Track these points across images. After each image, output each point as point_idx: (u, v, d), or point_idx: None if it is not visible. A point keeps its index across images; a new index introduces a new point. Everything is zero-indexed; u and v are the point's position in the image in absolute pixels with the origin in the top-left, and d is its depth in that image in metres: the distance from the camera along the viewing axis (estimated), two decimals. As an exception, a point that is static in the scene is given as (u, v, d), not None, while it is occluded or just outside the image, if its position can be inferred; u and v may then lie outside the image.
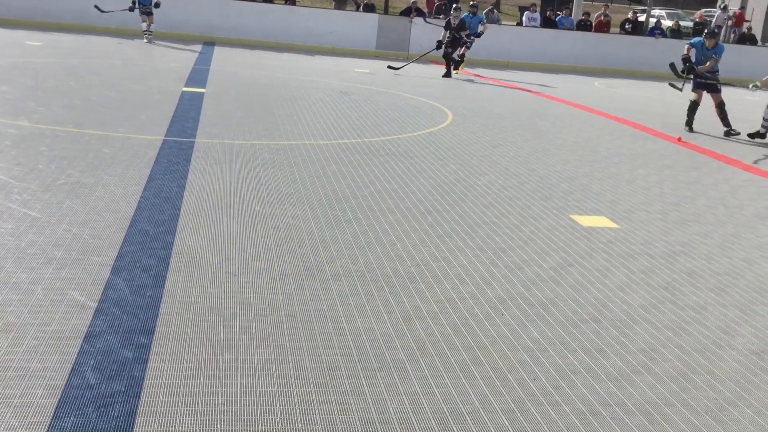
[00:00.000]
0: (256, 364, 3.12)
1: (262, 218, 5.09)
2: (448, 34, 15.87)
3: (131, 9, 17.16)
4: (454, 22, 15.82)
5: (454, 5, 16.23)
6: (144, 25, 17.36)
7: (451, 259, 4.68)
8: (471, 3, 16.81)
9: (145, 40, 17.23)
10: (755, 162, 9.06)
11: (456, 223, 5.44)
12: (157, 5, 17.21)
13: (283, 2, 22.21)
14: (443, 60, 16.17)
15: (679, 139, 10.04)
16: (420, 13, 20.83)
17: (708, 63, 10.95)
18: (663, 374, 3.38)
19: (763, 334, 3.95)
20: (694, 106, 11.09)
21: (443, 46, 15.90)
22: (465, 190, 6.43)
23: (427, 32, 18.78)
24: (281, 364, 3.14)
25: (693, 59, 11.14)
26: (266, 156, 6.97)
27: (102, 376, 2.91)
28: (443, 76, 15.84)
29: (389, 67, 16.26)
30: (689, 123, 11.15)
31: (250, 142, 7.50)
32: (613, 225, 5.79)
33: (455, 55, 16.22)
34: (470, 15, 16.75)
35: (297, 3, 23.35)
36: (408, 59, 17.37)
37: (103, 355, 3.07)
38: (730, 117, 11.03)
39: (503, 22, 23.99)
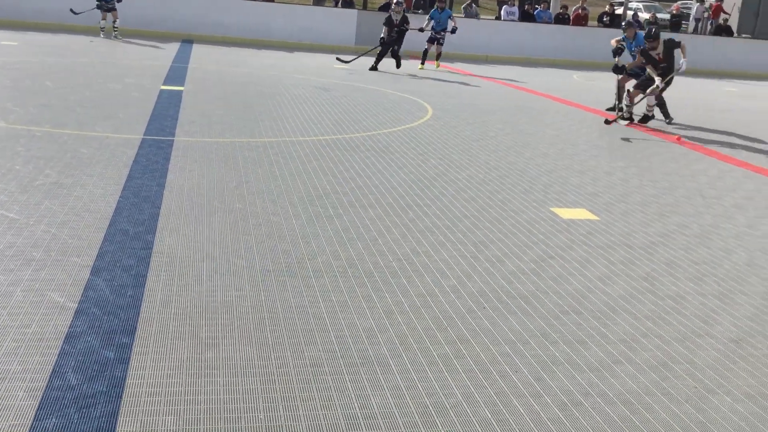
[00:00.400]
0: (239, 362, 3.12)
1: (242, 216, 5.07)
2: (389, 31, 15.25)
3: (98, 6, 17.06)
4: (396, 17, 15.34)
5: (396, 0, 15.79)
6: (103, 23, 17.25)
7: (433, 253, 4.70)
8: None
9: (112, 37, 17.14)
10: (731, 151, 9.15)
11: (437, 218, 5.45)
12: None
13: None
14: (377, 55, 15.38)
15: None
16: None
17: (637, 58, 11.00)
18: (643, 364, 3.41)
19: (742, 322, 4.00)
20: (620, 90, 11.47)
21: (384, 42, 15.32)
22: (446, 185, 6.45)
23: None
24: (264, 361, 3.14)
25: (621, 53, 11.55)
26: (246, 153, 6.95)
27: (83, 377, 2.89)
28: (370, 69, 15.14)
29: (338, 59, 15.88)
30: (616, 107, 11.54)
31: (229, 140, 7.47)
32: (593, 217, 5.83)
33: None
34: (438, 10, 16.47)
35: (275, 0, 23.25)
36: (375, 54, 16.89)
37: (84, 356, 3.05)
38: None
39: (482, 17, 24.03)
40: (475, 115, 10.55)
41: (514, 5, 22.58)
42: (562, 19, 22.02)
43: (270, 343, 3.31)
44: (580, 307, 4.02)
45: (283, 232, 4.83)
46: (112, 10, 17.12)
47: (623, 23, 11.92)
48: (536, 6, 23.21)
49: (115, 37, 17.13)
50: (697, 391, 3.20)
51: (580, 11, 22.64)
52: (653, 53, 10.35)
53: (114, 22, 17.15)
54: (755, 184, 7.48)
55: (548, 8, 22.69)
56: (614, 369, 3.34)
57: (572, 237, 5.28)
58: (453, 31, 16.42)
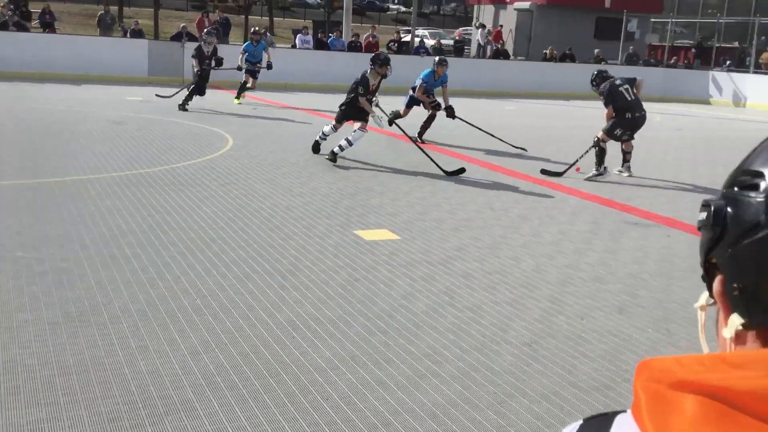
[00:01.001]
0: (26, 426, 2.85)
1: (26, 265, 4.67)
2: (200, 63, 13.92)
3: None
4: (207, 49, 14.18)
5: (206, 30, 15.18)
6: None
7: (239, 287, 4.61)
8: (253, 30, 16.24)
9: None
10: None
11: (242, 250, 5.37)
12: None
13: (41, 30, 20.75)
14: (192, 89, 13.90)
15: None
16: (191, 37, 20.37)
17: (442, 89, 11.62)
18: (447, 376, 3.55)
19: (533, 326, 4.30)
20: (397, 116, 11.43)
21: (199, 75, 14.03)
22: (250, 215, 6.37)
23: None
24: (55, 422, 2.89)
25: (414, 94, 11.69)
26: (30, 196, 6.42)
27: None
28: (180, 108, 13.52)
29: (157, 95, 14.72)
30: (420, 133, 11.39)
31: (9, 182, 6.88)
32: (395, 236, 6.03)
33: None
34: (253, 43, 16.11)
35: (56, 30, 21.92)
36: (183, 85, 16.07)
37: None
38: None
39: (277, 45, 24.18)
40: (276, 143, 10.55)
41: (308, 34, 22.97)
42: (354, 46, 22.71)
43: (62, 402, 3.05)
44: (386, 327, 4.12)
45: (74, 278, 4.51)
46: None
47: (437, 59, 11.81)
48: (329, 34, 23.77)
49: None
50: (497, 396, 3.39)
51: (371, 39, 23.50)
52: (376, 82, 9.71)
53: None
54: (537, 195, 8.11)
55: (341, 36, 23.32)
56: (421, 384, 3.44)
57: (376, 258, 5.42)
58: (269, 66, 15.95)
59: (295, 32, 24.78)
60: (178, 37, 20.24)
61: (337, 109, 9.94)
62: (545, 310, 4.56)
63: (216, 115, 13.39)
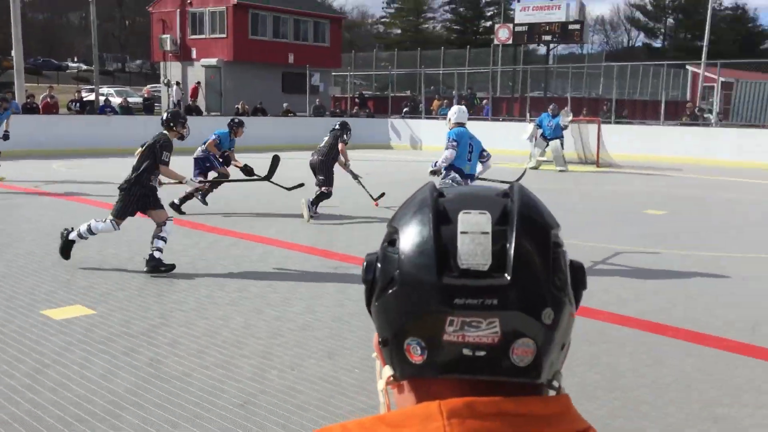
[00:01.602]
0: None
1: None
2: None
3: None
4: None
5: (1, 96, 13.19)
6: None
7: None
8: (2, 96, 14.20)
9: None
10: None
11: None
12: None
13: None
14: None
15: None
16: None
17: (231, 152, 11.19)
18: (157, 456, 3.30)
19: (245, 384, 4.19)
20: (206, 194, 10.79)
21: None
22: None
23: None
24: None
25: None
26: None
27: None
28: None
29: None
30: (178, 204, 10.36)
31: None
32: (90, 311, 5.55)
33: None
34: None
35: None
36: None
37: None
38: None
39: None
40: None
41: (-28, 96, 20.68)
42: (30, 108, 20.96)
43: None
44: (83, 414, 3.73)
45: None
46: None
47: (237, 120, 11.26)
48: None
49: None
50: (212, 467, 3.22)
51: (49, 99, 21.89)
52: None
53: None
54: (241, 248, 8.06)
55: (14, 98, 21.38)
56: (127, 472, 3.15)
57: (69, 338, 4.93)
58: (5, 137, 13.92)
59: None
60: None
61: (120, 195, 7.06)
62: (257, 366, 4.49)
63: None
